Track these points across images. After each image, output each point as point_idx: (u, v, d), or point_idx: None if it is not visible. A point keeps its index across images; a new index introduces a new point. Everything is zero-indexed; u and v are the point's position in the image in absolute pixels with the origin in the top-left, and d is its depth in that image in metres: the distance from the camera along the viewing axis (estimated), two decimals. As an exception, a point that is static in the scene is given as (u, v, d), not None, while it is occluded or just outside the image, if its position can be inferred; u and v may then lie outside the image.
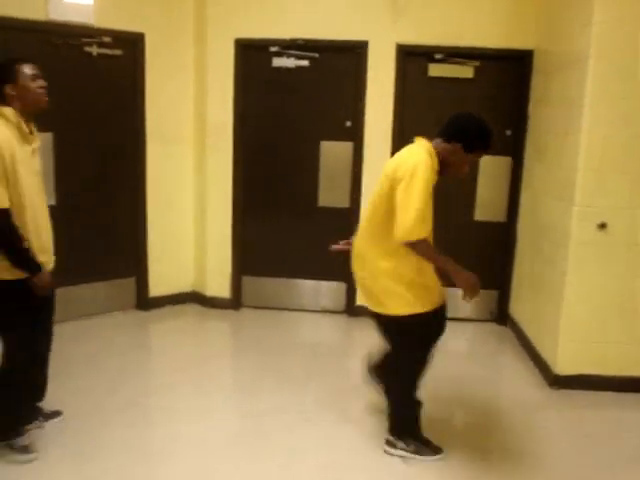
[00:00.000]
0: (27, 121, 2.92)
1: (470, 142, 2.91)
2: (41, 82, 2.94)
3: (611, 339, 3.97)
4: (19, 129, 2.85)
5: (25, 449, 3.05)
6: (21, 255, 2.84)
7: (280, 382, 3.99)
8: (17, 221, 2.81)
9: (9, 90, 2.84)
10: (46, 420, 3.33)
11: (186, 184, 5.34)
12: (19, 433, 3.06)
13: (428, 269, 3.01)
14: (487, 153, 3.04)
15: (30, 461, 3.00)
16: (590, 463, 3.22)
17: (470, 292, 2.90)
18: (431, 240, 2.95)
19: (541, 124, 4.64)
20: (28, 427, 3.14)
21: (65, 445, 3.17)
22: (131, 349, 4.42)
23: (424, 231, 2.78)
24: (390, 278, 2.95)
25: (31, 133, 2.94)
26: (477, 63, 4.93)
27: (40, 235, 2.96)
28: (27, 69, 2.90)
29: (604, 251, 3.86)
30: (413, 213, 2.73)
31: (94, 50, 4.67)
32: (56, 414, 3.39)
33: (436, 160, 2.90)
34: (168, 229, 5.28)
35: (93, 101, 4.76)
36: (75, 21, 4.51)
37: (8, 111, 2.82)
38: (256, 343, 4.72)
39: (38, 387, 3.23)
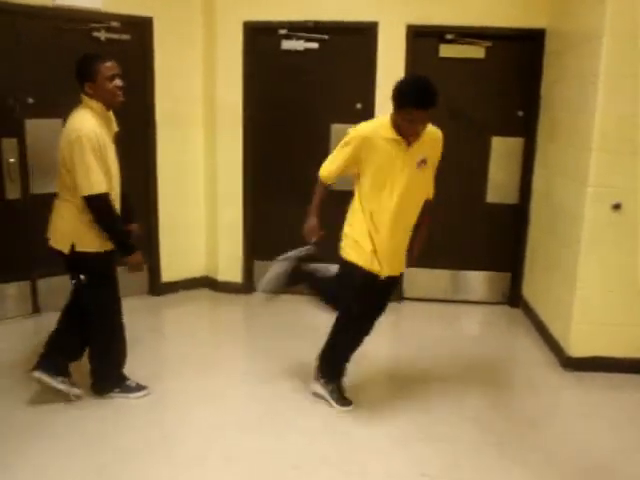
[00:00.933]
0: (108, 110, 3.26)
1: (396, 98, 3.03)
2: (118, 82, 3.19)
3: (625, 321, 3.94)
4: (105, 118, 3.22)
5: (139, 387, 3.58)
6: (120, 236, 3.25)
7: (292, 366, 3.99)
8: None
9: (87, 88, 3.15)
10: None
11: (197, 169, 5.33)
12: (125, 378, 3.57)
13: (375, 235, 3.26)
14: (422, 109, 2.97)
15: (149, 393, 3.57)
16: (604, 445, 3.21)
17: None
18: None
19: (554, 104, 4.58)
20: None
21: (82, 430, 3.20)
22: (144, 334, 4.43)
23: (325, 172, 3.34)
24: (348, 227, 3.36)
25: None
26: (489, 43, 4.87)
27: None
28: (106, 69, 3.15)
29: (618, 232, 3.82)
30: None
31: (102, 35, 4.65)
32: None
33: (389, 127, 3.11)
34: (179, 214, 5.29)
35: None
36: (83, 6, 4.49)
37: (94, 104, 3.17)
38: (268, 328, 4.72)
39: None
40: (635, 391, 3.81)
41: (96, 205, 3.13)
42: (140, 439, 3.13)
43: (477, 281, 5.32)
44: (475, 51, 4.90)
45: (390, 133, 3.11)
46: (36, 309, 4.70)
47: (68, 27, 4.48)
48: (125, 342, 3.54)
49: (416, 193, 3.26)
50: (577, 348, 4.00)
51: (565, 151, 4.28)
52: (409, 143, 3.11)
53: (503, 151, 5.05)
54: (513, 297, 5.24)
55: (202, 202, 5.41)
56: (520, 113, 4.98)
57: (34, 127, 4.44)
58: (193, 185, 5.34)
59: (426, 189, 3.33)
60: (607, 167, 3.74)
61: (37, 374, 3.37)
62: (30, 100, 4.42)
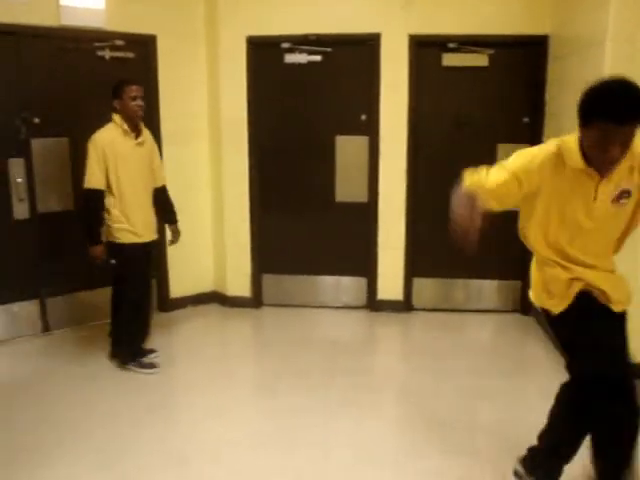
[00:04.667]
0: (134, 124, 3.89)
1: (581, 109, 2.20)
2: (138, 102, 3.86)
3: (634, 326, 3.87)
4: (122, 129, 3.85)
5: (151, 365, 4.08)
6: (88, 228, 3.87)
7: (303, 379, 3.97)
8: (117, 202, 3.84)
9: (115, 104, 3.86)
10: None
11: (203, 184, 5.35)
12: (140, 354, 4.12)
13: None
14: (617, 124, 2.09)
15: (157, 372, 4.04)
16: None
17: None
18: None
19: (559, 110, 4.56)
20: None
21: (94, 446, 3.19)
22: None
23: None
24: None
25: (137, 132, 3.92)
26: (492, 51, 4.87)
27: (130, 215, 3.88)
28: (130, 90, 3.82)
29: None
30: None
31: (107, 54, 4.69)
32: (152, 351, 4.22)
33: (577, 153, 2.29)
34: (187, 229, 5.25)
35: (107, 105, 4.73)
36: (87, 26, 4.53)
37: (116, 117, 3.87)
38: (278, 341, 4.71)
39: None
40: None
41: (84, 196, 3.90)
42: (149, 455, 3.11)
43: (488, 290, 5.28)
44: (478, 59, 4.89)
45: (578, 161, 2.29)
46: (46, 327, 4.69)
47: (72, 47, 4.52)
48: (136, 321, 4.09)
49: (608, 232, 2.54)
50: (590, 355, 3.94)
51: (572, 156, 4.24)
52: (602, 175, 2.29)
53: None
54: (524, 305, 5.19)
55: (209, 217, 5.41)
56: (526, 119, 4.96)
57: (40, 146, 4.47)
58: (200, 200, 5.35)
59: (626, 223, 2.53)
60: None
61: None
62: (36, 120, 4.45)
